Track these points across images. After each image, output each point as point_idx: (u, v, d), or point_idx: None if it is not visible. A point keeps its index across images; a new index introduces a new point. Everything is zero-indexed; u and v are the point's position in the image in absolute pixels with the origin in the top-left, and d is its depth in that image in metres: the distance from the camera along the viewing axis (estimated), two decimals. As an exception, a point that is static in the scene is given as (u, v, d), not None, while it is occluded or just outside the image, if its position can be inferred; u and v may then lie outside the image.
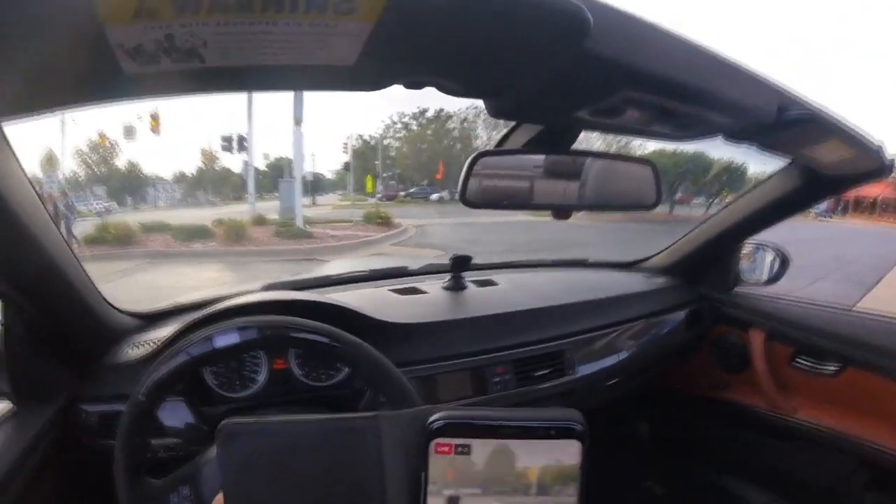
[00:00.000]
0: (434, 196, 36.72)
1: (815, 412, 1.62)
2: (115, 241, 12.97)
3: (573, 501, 0.51)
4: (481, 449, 0.50)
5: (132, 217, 19.60)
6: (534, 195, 0.98)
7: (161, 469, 0.87)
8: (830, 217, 25.98)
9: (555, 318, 1.50)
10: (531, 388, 1.37)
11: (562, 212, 1.02)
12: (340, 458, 0.53)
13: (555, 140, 0.96)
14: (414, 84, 0.62)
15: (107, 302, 1.26)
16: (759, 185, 1.60)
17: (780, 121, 0.80)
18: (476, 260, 1.74)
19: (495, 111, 0.76)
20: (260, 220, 15.45)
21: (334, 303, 1.28)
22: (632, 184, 1.04)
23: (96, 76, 0.49)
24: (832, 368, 1.59)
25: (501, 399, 1.32)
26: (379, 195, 31.86)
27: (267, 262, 10.88)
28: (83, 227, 13.77)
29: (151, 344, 1.20)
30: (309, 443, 0.53)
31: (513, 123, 1.01)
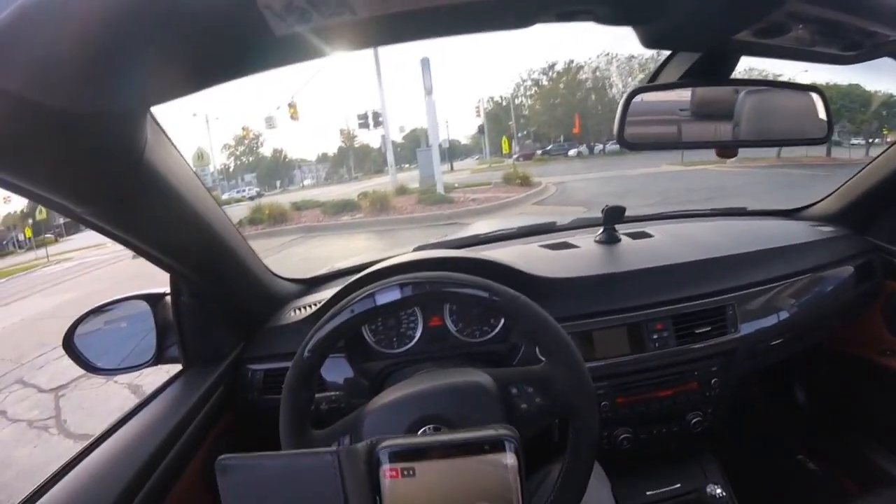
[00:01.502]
0: (572, 151, 35.77)
1: None
2: (270, 220, 14.11)
3: None
4: (425, 470, 0.60)
5: (283, 198, 21.09)
6: (696, 132, 0.95)
7: (323, 421, 0.90)
8: None
9: (716, 271, 1.41)
10: (690, 347, 1.30)
11: (726, 149, 0.98)
12: (311, 491, 0.59)
13: (713, 69, 0.90)
14: (565, 15, 0.61)
15: (270, 271, 1.38)
16: None
17: None
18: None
19: (648, 40, 0.73)
20: (402, 190, 15.97)
21: (488, 259, 1.33)
22: (798, 115, 0.97)
23: (249, 43, 0.50)
24: None
25: (659, 357, 1.28)
26: (516, 155, 31.65)
27: (411, 228, 11.17)
28: (239, 211, 14.94)
29: (312, 306, 1.31)
30: (285, 475, 0.59)
31: (665, 55, 0.95)
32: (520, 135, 43.14)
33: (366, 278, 1.19)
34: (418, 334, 1.29)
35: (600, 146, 35.32)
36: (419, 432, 0.79)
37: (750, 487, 1.59)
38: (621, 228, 1.61)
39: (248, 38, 0.49)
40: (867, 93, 22.26)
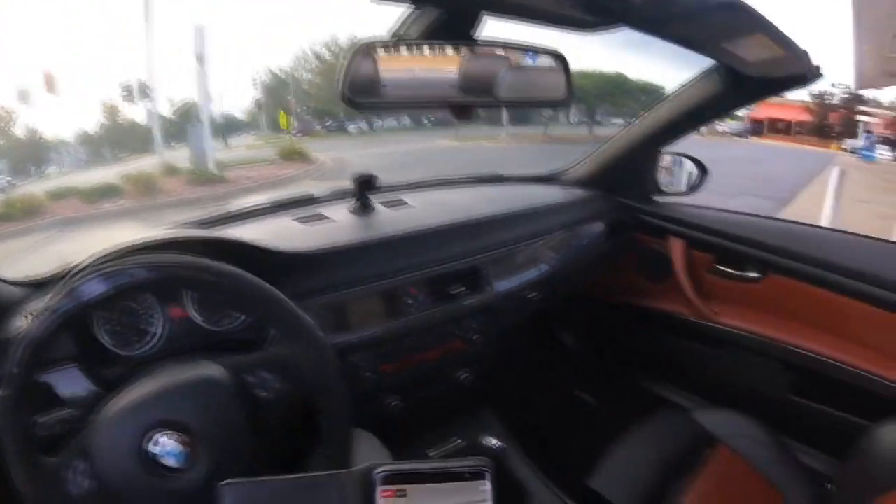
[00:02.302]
0: (352, 127, 35.85)
1: (739, 318, 1.65)
2: (22, 214, 12.36)
3: None
4: (415, 492, 0.60)
5: (39, 186, 18.63)
6: (431, 91, 0.91)
7: (60, 444, 0.79)
8: (748, 137, 27.22)
9: (469, 234, 1.47)
10: (447, 307, 1.36)
11: (462, 110, 0.96)
12: None
13: (455, 28, 0.86)
14: None
15: None
16: (678, 91, 1.59)
17: (700, 7, 0.75)
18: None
19: None
20: (171, 170, 14.77)
21: (225, 237, 1.16)
22: (541, 79, 0.98)
23: None
24: (754, 275, 1.61)
25: (417, 320, 1.32)
26: (294, 131, 30.97)
27: (182, 211, 10.53)
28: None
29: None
30: (285, 499, 0.61)
31: (408, 12, 0.88)
32: (300, 110, 42.32)
33: (81, 271, 0.93)
34: (160, 329, 1.07)
35: (380, 122, 36.19)
36: (153, 440, 0.74)
37: (531, 431, 1.72)
38: (379, 198, 1.55)
39: None
40: (630, 80, 25.77)
